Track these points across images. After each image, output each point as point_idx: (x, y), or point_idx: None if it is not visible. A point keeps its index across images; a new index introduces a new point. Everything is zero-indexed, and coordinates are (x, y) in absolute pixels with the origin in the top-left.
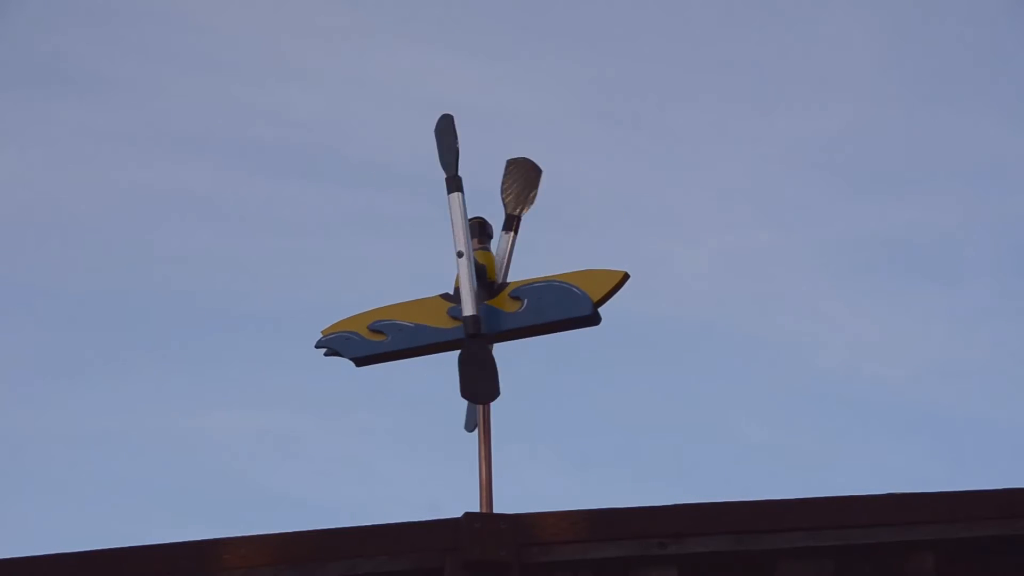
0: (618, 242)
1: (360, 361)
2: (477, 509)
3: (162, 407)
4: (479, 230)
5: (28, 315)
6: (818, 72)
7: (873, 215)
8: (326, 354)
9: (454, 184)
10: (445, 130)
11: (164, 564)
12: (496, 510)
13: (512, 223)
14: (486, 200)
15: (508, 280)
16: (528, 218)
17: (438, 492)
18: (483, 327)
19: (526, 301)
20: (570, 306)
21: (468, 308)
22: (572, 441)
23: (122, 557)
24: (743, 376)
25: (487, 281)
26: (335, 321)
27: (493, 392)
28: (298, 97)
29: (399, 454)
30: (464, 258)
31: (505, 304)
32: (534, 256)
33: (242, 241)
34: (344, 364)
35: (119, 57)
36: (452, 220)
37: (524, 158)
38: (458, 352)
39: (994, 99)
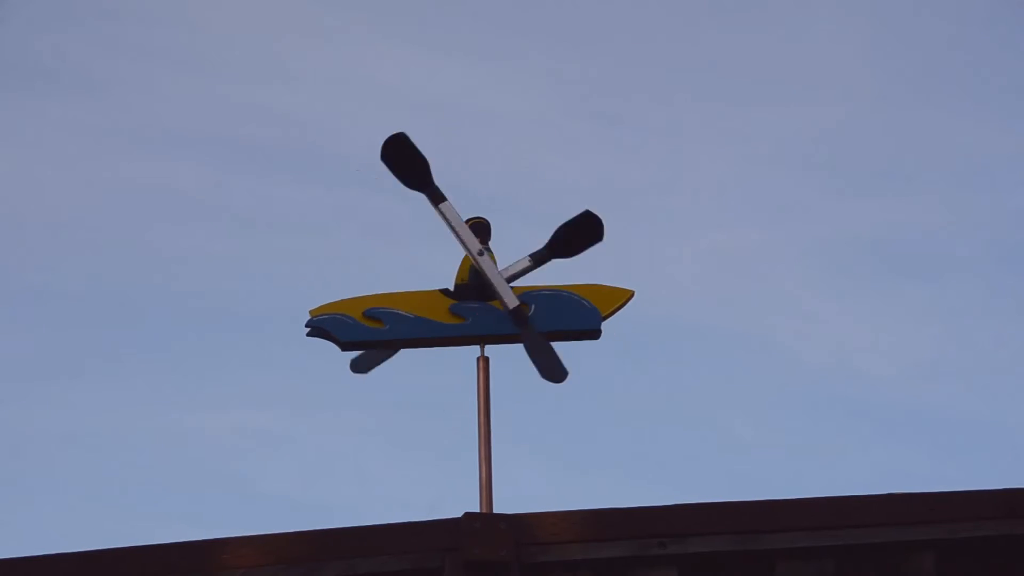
0: (608, 241)
1: (349, 346)
2: (477, 509)
3: (161, 407)
4: (482, 230)
5: (28, 315)
6: (806, 71)
7: (861, 214)
8: (310, 334)
9: (437, 195)
10: (401, 148)
11: (164, 564)
12: (496, 510)
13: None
14: (482, 201)
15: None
16: (520, 218)
17: (438, 492)
18: (487, 328)
19: (533, 307)
20: (579, 318)
21: (511, 300)
22: (572, 441)
23: (122, 557)
24: (733, 375)
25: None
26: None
27: (563, 369)
28: (291, 96)
29: (399, 454)
30: (483, 256)
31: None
32: (525, 255)
33: (239, 241)
34: (343, 363)
35: (112, 57)
36: (452, 227)
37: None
38: (456, 348)
39: (982, 98)
